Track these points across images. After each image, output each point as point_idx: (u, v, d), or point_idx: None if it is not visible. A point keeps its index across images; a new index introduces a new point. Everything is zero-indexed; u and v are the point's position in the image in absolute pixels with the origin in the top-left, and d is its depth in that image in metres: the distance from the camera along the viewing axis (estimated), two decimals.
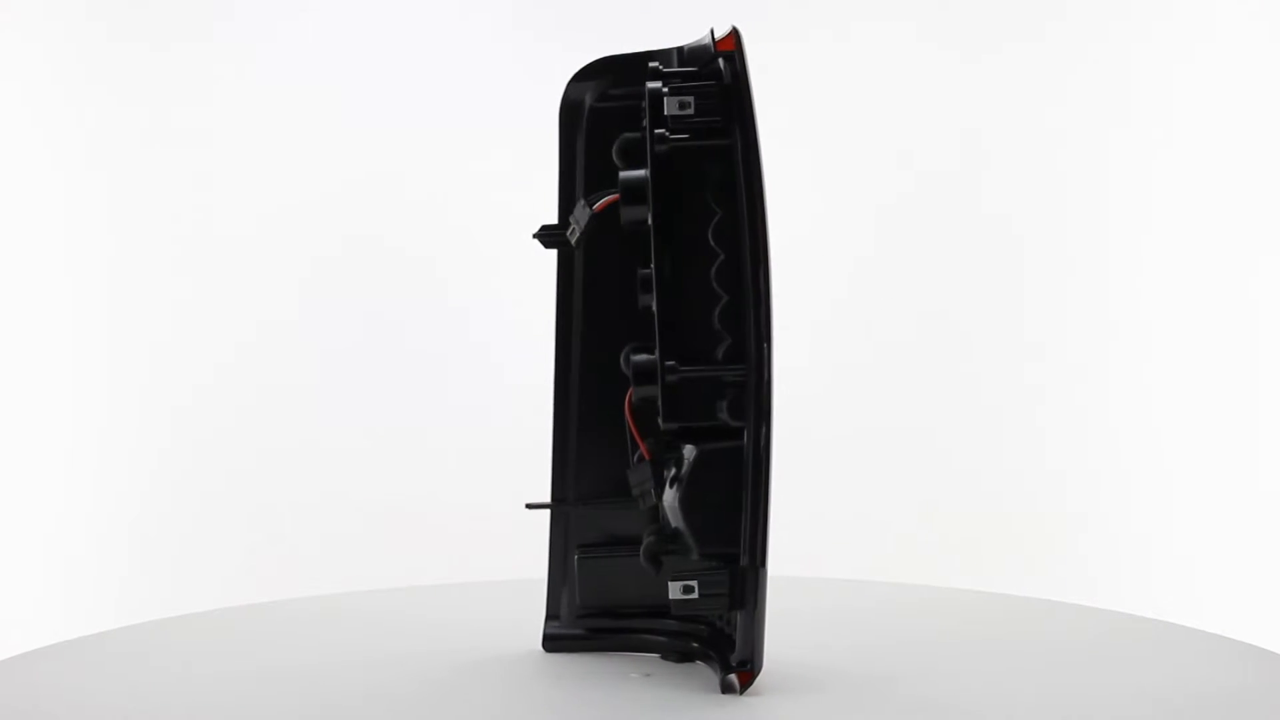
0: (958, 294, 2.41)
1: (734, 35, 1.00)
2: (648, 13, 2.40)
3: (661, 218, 1.01)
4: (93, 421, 2.46)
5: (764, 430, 0.97)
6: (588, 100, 1.12)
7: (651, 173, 1.01)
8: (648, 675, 1.07)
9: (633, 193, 1.03)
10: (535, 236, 1.15)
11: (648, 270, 1.02)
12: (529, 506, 1.17)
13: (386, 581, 1.79)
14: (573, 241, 1.12)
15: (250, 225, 2.45)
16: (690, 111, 1.00)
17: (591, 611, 1.14)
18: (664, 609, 1.03)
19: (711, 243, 1.00)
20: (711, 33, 1.01)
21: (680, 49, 1.07)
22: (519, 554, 2.35)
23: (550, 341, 1.20)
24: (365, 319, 2.46)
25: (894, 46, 2.42)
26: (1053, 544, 2.37)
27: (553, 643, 1.15)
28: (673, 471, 1.02)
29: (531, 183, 2.41)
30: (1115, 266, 2.39)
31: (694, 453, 1.00)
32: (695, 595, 0.99)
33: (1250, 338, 2.37)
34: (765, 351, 0.97)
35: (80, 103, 2.45)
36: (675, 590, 1.00)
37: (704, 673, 1.06)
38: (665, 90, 1.00)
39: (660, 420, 1.01)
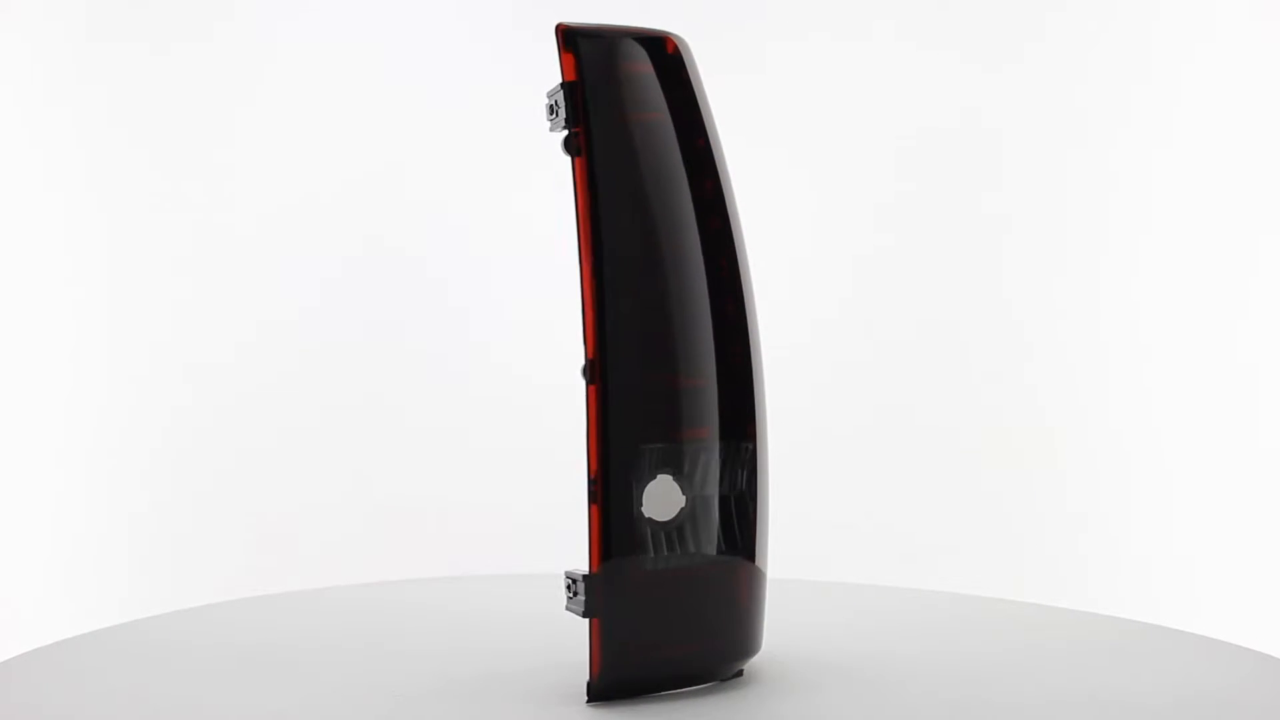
0: (958, 294, 2.41)
1: (561, 30, 1.01)
2: (652, 13, 2.40)
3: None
4: (92, 421, 2.46)
5: (600, 430, 0.98)
6: None
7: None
8: None
9: None
10: None
11: None
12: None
13: (385, 577, 1.79)
14: None
15: (250, 224, 2.45)
16: (555, 114, 1.02)
17: None
18: None
19: None
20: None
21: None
22: (519, 551, 2.35)
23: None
24: (365, 318, 2.45)
25: (894, 46, 2.42)
26: (1053, 546, 2.37)
27: None
28: None
29: (531, 182, 2.42)
30: (1115, 266, 2.39)
31: None
32: (571, 595, 1.00)
33: (1251, 338, 2.37)
34: (599, 350, 0.98)
35: (78, 104, 2.45)
36: (564, 587, 1.01)
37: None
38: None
39: None
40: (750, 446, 1.04)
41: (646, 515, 1.00)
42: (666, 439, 1.00)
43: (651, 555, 1.00)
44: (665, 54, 1.04)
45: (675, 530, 1.01)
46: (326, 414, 2.44)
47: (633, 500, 0.99)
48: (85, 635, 1.24)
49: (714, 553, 1.03)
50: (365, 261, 2.45)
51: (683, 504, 1.01)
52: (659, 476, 1.00)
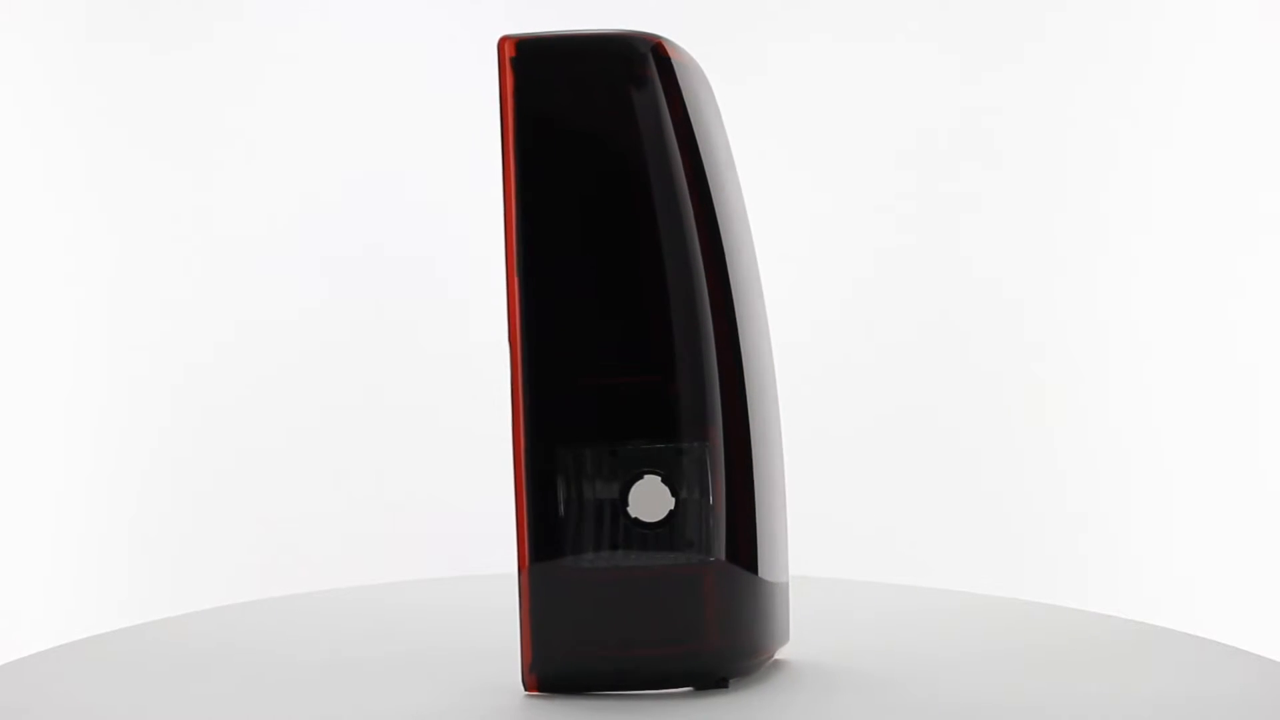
0: (958, 294, 2.42)
1: (502, 42, 1.02)
2: (655, 15, 2.40)
3: None
4: (92, 421, 2.46)
5: (521, 429, 1.00)
6: None
7: None
8: None
9: None
10: None
11: None
12: None
13: (387, 577, 1.79)
14: None
15: (250, 225, 2.45)
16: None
17: None
18: None
19: None
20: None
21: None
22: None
23: None
24: (366, 318, 2.46)
25: (894, 48, 2.42)
26: (1052, 545, 2.37)
27: None
28: None
29: None
30: (1115, 266, 2.39)
31: None
32: None
33: (1252, 338, 2.37)
34: (524, 347, 1.00)
35: (78, 104, 2.45)
36: None
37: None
38: None
39: None
40: (712, 447, 1.02)
41: (633, 515, 1.00)
42: (593, 441, 1.00)
43: (589, 555, 1.00)
44: (630, 57, 1.03)
45: (625, 531, 1.00)
46: (327, 414, 2.45)
47: (557, 500, 1.00)
48: (85, 640, 1.24)
49: (672, 555, 1.01)
50: (366, 261, 2.45)
51: (672, 505, 1.01)
52: (646, 476, 1.00)
